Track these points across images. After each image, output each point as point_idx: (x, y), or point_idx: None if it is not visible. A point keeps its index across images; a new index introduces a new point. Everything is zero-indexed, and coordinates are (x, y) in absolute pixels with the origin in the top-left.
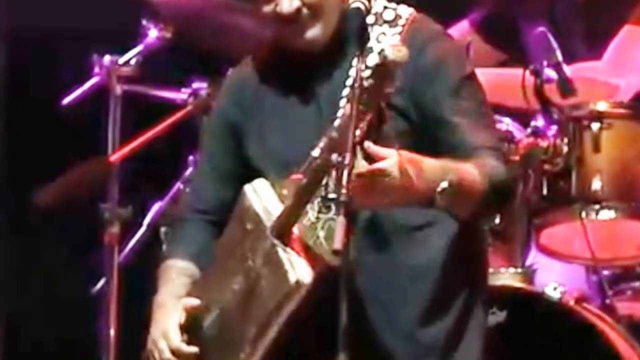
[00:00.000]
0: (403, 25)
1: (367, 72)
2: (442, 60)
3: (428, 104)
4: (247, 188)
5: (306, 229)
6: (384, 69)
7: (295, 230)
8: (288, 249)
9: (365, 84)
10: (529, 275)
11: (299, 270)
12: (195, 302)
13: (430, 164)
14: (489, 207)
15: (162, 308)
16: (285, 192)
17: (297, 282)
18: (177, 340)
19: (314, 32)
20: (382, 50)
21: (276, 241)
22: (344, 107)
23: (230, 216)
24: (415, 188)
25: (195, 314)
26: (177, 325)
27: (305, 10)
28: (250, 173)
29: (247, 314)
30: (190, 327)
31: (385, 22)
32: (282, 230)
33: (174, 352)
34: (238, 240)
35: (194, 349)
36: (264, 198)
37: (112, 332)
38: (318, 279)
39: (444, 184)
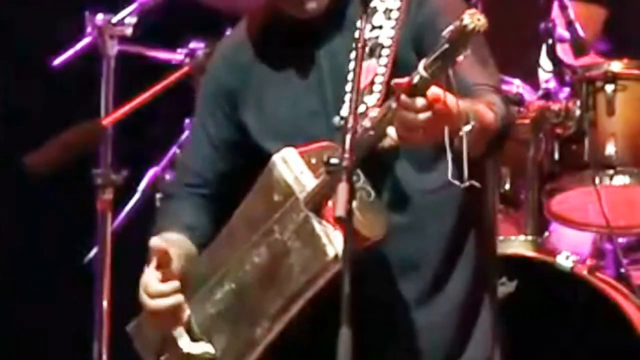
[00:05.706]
0: None
1: (442, 39)
2: (440, 11)
3: (425, 50)
4: (276, 158)
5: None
6: (460, 37)
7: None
8: (324, 222)
9: (439, 49)
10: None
11: (338, 244)
12: (160, 243)
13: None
14: (495, 147)
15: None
16: (314, 160)
17: (337, 256)
18: (155, 284)
19: (312, 4)
20: (461, 18)
21: (311, 214)
22: (354, 71)
23: (253, 187)
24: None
25: (205, 286)
26: (153, 270)
27: None
28: (248, 141)
29: (269, 288)
30: (198, 299)
31: None
32: (318, 203)
33: (156, 296)
34: (262, 212)
35: (175, 284)
36: (294, 168)
37: (105, 302)
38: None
39: (467, 128)
